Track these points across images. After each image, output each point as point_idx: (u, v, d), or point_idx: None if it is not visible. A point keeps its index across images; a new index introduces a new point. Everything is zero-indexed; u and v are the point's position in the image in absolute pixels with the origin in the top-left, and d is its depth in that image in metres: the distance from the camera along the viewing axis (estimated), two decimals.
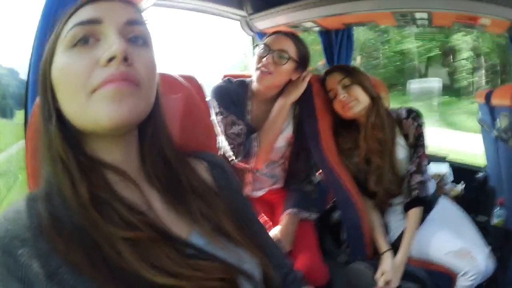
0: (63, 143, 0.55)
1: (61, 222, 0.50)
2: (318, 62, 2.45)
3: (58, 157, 0.54)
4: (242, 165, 1.48)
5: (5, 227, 0.49)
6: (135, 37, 0.57)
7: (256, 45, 1.53)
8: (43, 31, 0.95)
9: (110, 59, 0.51)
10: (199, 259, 0.54)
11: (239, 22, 2.52)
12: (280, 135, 1.54)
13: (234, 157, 1.46)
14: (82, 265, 0.47)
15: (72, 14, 0.57)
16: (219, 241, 0.60)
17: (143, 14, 0.62)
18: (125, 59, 0.52)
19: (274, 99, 1.51)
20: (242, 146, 1.45)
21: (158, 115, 0.65)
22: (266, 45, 1.45)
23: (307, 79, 1.49)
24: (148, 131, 0.64)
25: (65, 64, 0.54)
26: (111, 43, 0.52)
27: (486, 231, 1.79)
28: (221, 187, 0.73)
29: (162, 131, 0.66)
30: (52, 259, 0.47)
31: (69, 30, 0.54)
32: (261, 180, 1.66)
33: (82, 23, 0.54)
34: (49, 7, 0.95)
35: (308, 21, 2.20)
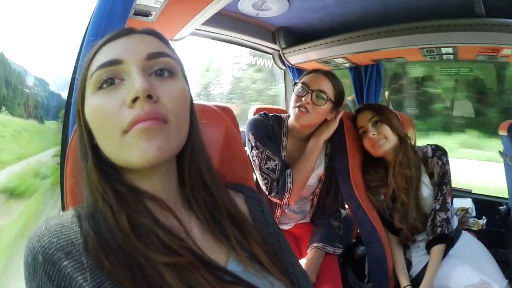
0: (100, 178, 0.57)
1: (106, 242, 0.52)
2: (348, 98, 2.50)
3: (96, 190, 0.57)
4: (276, 200, 1.51)
5: (49, 239, 0.50)
6: (160, 69, 0.57)
7: (295, 83, 1.55)
8: (89, 43, 0.95)
9: (134, 100, 0.52)
10: (236, 285, 0.57)
11: (271, 56, 2.64)
12: (313, 172, 1.56)
13: (267, 192, 1.49)
14: (126, 283, 0.48)
15: (94, 55, 0.59)
16: (254, 269, 0.62)
17: (171, 43, 0.63)
18: (149, 96, 0.53)
19: (308, 136, 1.54)
20: (276, 182, 1.47)
21: (196, 142, 0.66)
22: (305, 84, 1.47)
23: (339, 117, 1.53)
24: (186, 158, 0.65)
25: (95, 106, 0.55)
26: (133, 83, 0.53)
27: (506, 263, 1.82)
28: (256, 219, 0.76)
29: (201, 158, 0.67)
30: (96, 275, 0.49)
31: (93, 73, 0.56)
32: (290, 216, 1.70)
33: (103, 66, 0.55)
34: (98, 20, 0.96)
35: (338, 57, 2.26)
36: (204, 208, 0.65)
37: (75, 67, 0.99)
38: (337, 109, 1.53)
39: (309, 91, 1.45)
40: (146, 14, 1.44)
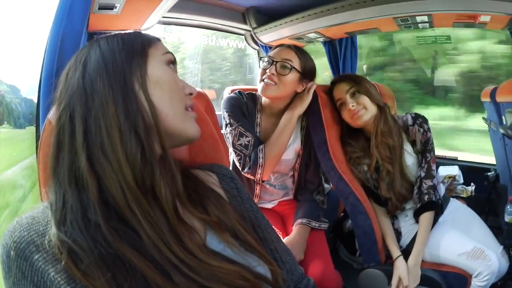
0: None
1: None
2: (325, 73, 2.46)
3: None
4: (249, 176, 1.51)
5: (20, 233, 0.50)
6: None
7: (261, 58, 1.56)
8: (52, 49, 0.98)
9: (191, 93, 0.68)
10: (218, 259, 0.58)
11: (243, 37, 2.59)
12: (289, 147, 1.55)
13: (241, 168, 1.49)
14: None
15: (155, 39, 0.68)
16: (235, 246, 0.63)
17: (149, 32, 0.69)
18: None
19: (282, 112, 1.53)
20: (249, 158, 1.47)
21: None
22: (269, 57, 1.49)
23: (312, 90, 1.51)
24: None
25: (169, 75, 0.64)
26: (187, 84, 0.69)
27: (498, 229, 1.80)
28: (231, 196, 0.78)
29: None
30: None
31: (166, 52, 0.66)
32: (272, 192, 1.67)
33: (172, 55, 0.68)
34: (59, 19, 0.98)
35: (311, 32, 2.22)
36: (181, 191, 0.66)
37: (42, 68, 1.01)
38: (306, 80, 1.53)
39: (273, 62, 1.47)
40: (111, 7, 1.44)
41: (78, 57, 0.61)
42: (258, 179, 1.53)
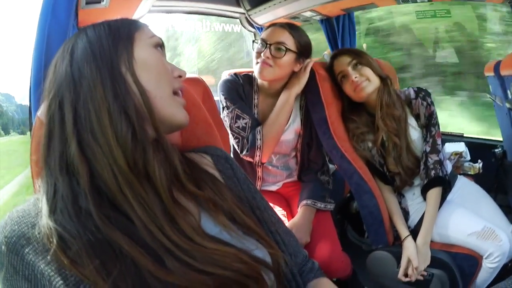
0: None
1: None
2: (324, 52, 2.40)
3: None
4: (248, 159, 1.49)
5: (11, 227, 0.50)
6: None
7: (254, 41, 1.53)
8: (38, 47, 0.97)
9: (180, 76, 0.68)
10: (215, 242, 0.58)
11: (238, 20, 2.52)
12: (288, 128, 1.52)
13: (239, 151, 1.46)
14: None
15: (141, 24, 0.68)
16: (233, 230, 0.62)
17: (141, 20, 0.69)
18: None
19: (279, 91, 1.49)
20: (246, 140, 1.44)
21: None
22: (263, 39, 1.44)
23: (309, 68, 1.47)
24: None
25: (156, 57, 0.64)
26: (175, 66, 0.68)
27: (508, 208, 1.76)
28: (227, 178, 0.76)
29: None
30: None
31: (152, 36, 0.66)
32: (275, 173, 1.65)
33: (157, 37, 0.67)
34: (44, 17, 0.97)
35: (307, 10, 2.17)
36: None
37: (31, 68, 1.00)
38: (303, 58, 1.48)
39: (267, 45, 1.43)
40: (98, 0, 1.41)
41: (65, 47, 0.61)
42: (257, 161, 1.50)
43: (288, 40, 1.42)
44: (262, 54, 1.42)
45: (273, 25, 1.49)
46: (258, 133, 1.44)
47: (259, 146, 1.44)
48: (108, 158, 0.54)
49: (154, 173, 0.56)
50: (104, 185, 0.53)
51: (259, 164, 1.56)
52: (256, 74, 1.46)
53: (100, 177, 0.54)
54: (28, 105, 1.04)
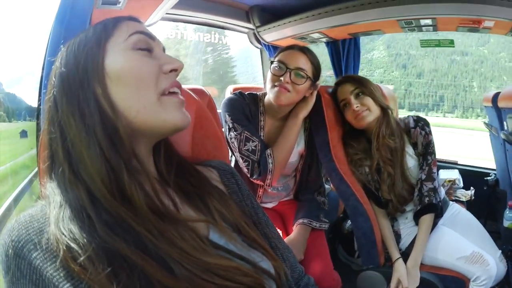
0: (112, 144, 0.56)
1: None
2: (327, 73, 2.46)
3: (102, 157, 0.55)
4: (258, 182, 1.47)
5: (18, 232, 0.50)
6: None
7: (271, 62, 1.47)
8: (54, 44, 0.95)
9: (172, 70, 0.62)
10: (219, 250, 0.58)
11: (246, 35, 2.57)
12: (293, 150, 1.52)
13: (249, 175, 1.45)
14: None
15: (119, 22, 0.63)
16: (238, 242, 0.62)
17: (153, 28, 0.67)
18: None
19: (286, 114, 1.50)
20: (257, 164, 1.43)
21: None
22: (282, 62, 1.41)
23: (315, 91, 1.49)
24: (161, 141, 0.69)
25: (133, 62, 0.59)
26: (170, 59, 0.63)
27: (497, 234, 1.81)
28: (232, 192, 0.77)
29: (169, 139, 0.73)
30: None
31: (130, 34, 0.61)
32: (273, 194, 1.65)
33: (142, 33, 0.62)
34: (62, 13, 0.97)
35: (315, 32, 2.21)
36: (179, 183, 0.67)
37: (44, 64, 0.99)
38: (315, 85, 1.49)
39: (287, 69, 1.39)
40: (114, 2, 1.41)
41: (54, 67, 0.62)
42: (267, 184, 1.47)
43: (307, 66, 1.42)
44: (281, 78, 1.39)
45: (291, 47, 1.47)
46: (270, 156, 1.42)
47: (270, 170, 1.42)
48: (94, 185, 0.54)
49: (133, 198, 0.54)
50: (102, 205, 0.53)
51: (269, 186, 1.52)
52: (271, 97, 1.42)
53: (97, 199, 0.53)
54: (16, 95, 1.03)
